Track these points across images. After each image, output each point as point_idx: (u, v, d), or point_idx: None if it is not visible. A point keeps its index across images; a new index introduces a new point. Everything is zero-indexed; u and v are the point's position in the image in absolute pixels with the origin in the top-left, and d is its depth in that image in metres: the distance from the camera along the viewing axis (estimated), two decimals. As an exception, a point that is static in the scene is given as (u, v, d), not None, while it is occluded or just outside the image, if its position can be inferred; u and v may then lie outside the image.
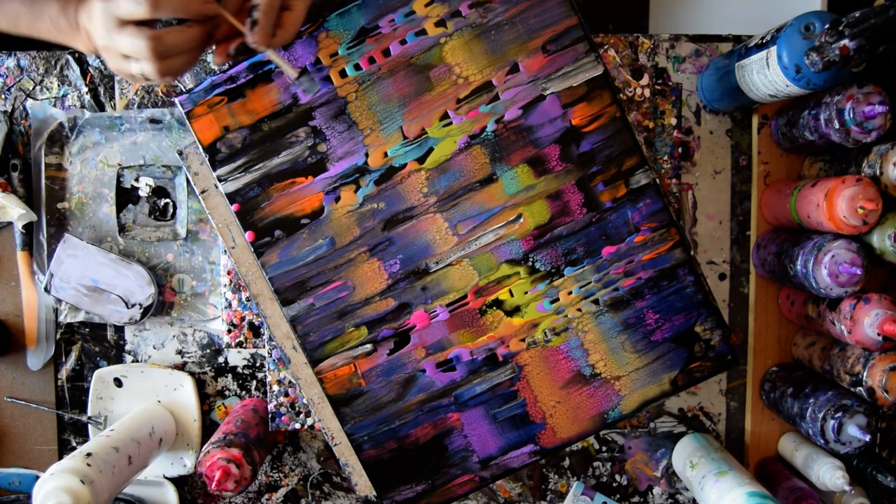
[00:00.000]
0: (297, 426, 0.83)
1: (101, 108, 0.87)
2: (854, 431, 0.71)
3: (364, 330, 0.68)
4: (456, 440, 0.69)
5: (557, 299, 0.68)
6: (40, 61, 0.87)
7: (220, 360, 0.88)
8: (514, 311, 0.68)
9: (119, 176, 0.86)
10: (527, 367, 0.69)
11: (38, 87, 0.88)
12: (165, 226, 0.87)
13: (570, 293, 0.68)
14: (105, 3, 0.54)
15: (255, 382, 0.89)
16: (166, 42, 0.55)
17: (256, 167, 0.66)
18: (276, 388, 0.83)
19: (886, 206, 0.69)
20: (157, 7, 0.53)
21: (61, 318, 0.87)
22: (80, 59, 0.87)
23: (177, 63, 0.56)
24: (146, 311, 0.85)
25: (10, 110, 0.87)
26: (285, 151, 0.67)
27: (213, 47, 0.61)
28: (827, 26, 0.64)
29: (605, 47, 0.86)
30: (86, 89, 0.87)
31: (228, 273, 0.84)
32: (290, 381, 0.83)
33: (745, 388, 0.88)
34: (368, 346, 0.68)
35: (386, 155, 0.67)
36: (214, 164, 0.66)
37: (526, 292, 0.68)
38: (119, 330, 0.88)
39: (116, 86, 0.87)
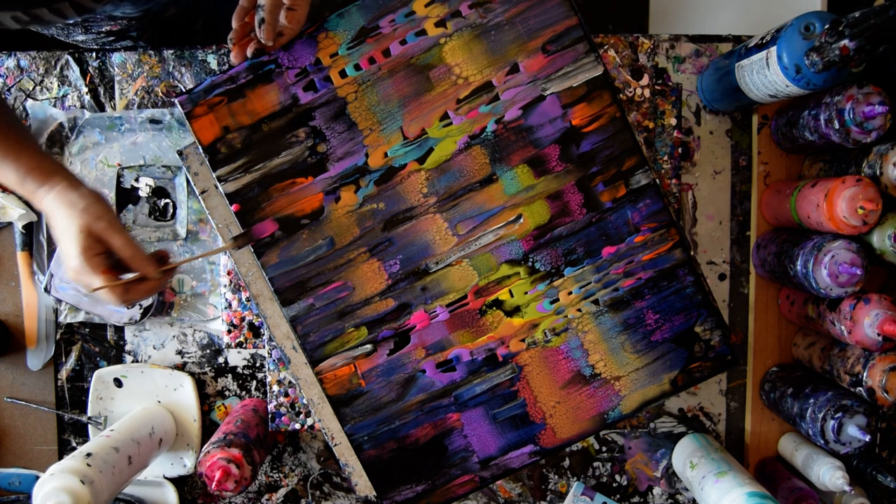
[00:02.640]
0: (297, 426, 0.83)
1: (101, 108, 0.87)
2: (854, 431, 0.71)
3: (364, 330, 0.68)
4: (456, 440, 0.69)
5: (557, 299, 0.68)
6: (40, 61, 0.87)
7: (220, 360, 0.88)
8: (514, 311, 0.68)
9: (119, 176, 0.86)
10: (527, 368, 0.69)
11: (38, 88, 0.88)
12: (165, 226, 0.87)
13: (570, 293, 0.68)
14: (79, 274, 0.61)
15: (255, 383, 0.89)
16: (132, 297, 0.62)
17: (256, 167, 0.66)
18: (276, 388, 0.83)
19: (886, 207, 0.69)
20: (128, 303, 0.63)
21: (61, 318, 0.87)
22: (80, 60, 0.87)
23: (139, 299, 0.64)
24: (146, 312, 0.85)
25: (10, 110, 0.87)
26: (285, 151, 0.67)
27: (232, 48, 0.65)
28: (827, 26, 0.64)
29: (605, 47, 0.86)
30: (86, 89, 0.87)
31: (228, 273, 0.84)
32: (290, 382, 0.83)
33: (745, 388, 0.88)
34: (368, 347, 0.68)
35: (386, 155, 0.67)
36: (214, 164, 0.66)
37: (526, 292, 0.68)
38: (119, 330, 0.88)
39: (116, 86, 0.87)
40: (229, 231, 0.69)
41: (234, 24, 0.64)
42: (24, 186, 0.63)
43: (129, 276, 0.62)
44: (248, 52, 0.65)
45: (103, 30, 0.85)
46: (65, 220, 0.61)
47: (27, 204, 0.85)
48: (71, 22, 0.81)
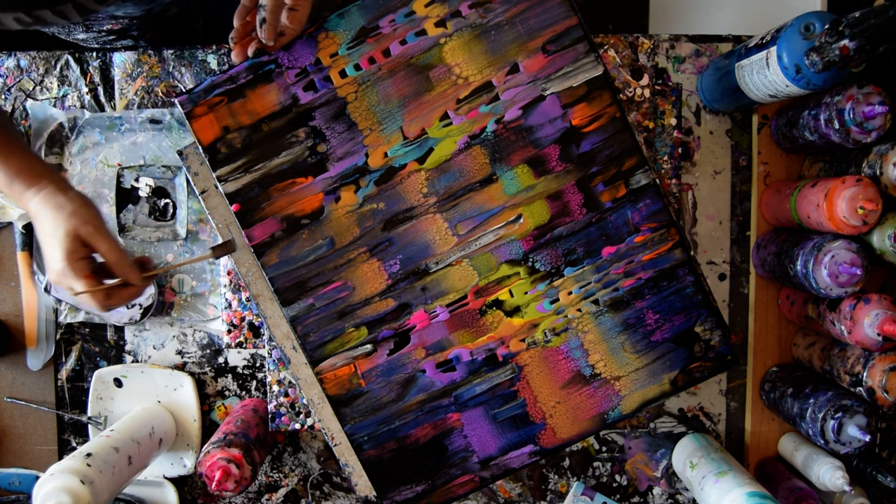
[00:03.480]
0: (297, 426, 0.83)
1: (101, 108, 0.87)
2: (854, 431, 0.71)
3: (364, 330, 0.68)
4: (456, 440, 0.69)
5: (557, 299, 0.68)
6: (40, 61, 0.87)
7: (220, 360, 0.88)
8: (514, 311, 0.68)
9: (119, 176, 0.86)
10: (527, 368, 0.69)
11: (38, 88, 0.88)
12: (165, 226, 0.87)
13: (570, 293, 0.68)
14: (62, 277, 0.61)
15: (255, 383, 0.89)
16: (113, 303, 0.63)
17: (256, 167, 0.67)
18: (276, 388, 0.83)
19: (886, 206, 0.69)
20: (108, 308, 0.63)
21: (61, 318, 0.87)
22: (80, 59, 0.87)
23: (119, 305, 0.64)
24: (146, 312, 0.85)
25: (10, 111, 0.87)
26: (285, 152, 0.67)
27: (233, 47, 0.65)
28: (827, 26, 0.64)
29: (605, 47, 0.86)
30: (86, 89, 0.87)
31: (228, 273, 0.84)
32: (290, 382, 0.83)
33: (745, 388, 0.88)
34: (368, 347, 0.68)
35: (386, 155, 0.67)
36: (214, 164, 0.66)
37: (526, 292, 0.68)
38: (119, 330, 0.88)
39: (116, 86, 0.87)
40: (229, 231, 0.69)
41: (236, 24, 0.64)
42: (12, 188, 0.63)
43: (112, 281, 0.62)
44: (250, 52, 0.65)
45: (104, 28, 0.85)
46: (51, 223, 0.61)
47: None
48: (73, 22, 0.81)
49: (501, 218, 0.68)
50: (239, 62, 0.66)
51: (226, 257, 0.84)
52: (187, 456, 0.87)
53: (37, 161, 0.65)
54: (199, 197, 0.69)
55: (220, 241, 0.69)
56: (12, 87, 0.87)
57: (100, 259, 0.63)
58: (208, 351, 0.88)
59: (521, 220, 0.68)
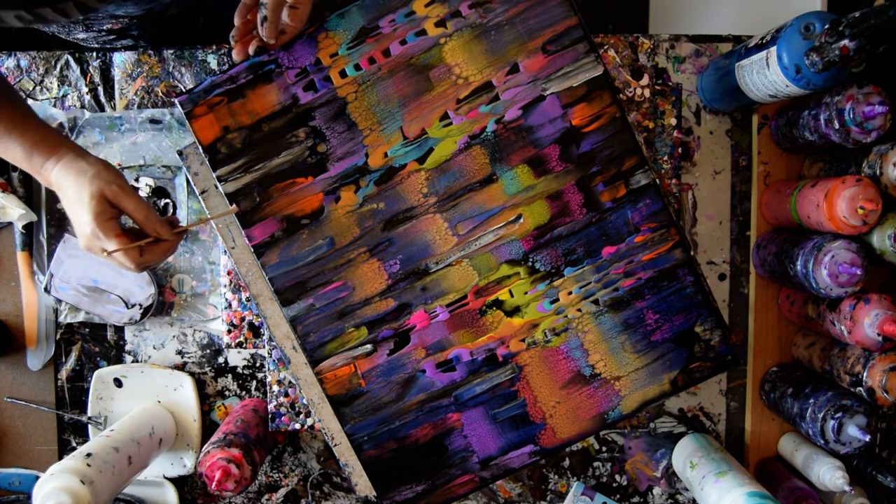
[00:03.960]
0: (297, 426, 0.83)
1: (101, 108, 0.87)
2: (854, 431, 0.71)
3: (364, 330, 0.68)
4: (456, 440, 0.69)
5: (557, 299, 0.68)
6: (40, 61, 0.87)
7: (220, 360, 0.88)
8: (514, 311, 0.68)
9: (119, 176, 0.86)
10: (527, 368, 0.69)
11: (38, 88, 0.88)
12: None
13: (570, 293, 0.68)
14: (93, 240, 0.61)
15: (255, 383, 0.89)
16: (147, 260, 0.63)
17: (256, 167, 0.67)
18: (276, 388, 0.83)
19: (886, 206, 0.69)
20: (143, 266, 0.63)
21: (61, 318, 0.87)
22: (80, 59, 0.87)
23: (153, 262, 0.64)
24: (146, 312, 0.85)
25: (10, 110, 0.87)
26: (285, 152, 0.67)
27: (234, 45, 0.65)
28: (827, 26, 0.64)
29: (605, 47, 0.86)
30: (86, 89, 0.87)
31: (228, 273, 0.84)
32: (290, 382, 0.83)
33: (745, 388, 0.88)
34: (368, 347, 0.68)
35: (386, 155, 0.67)
36: (214, 164, 0.66)
37: (526, 292, 0.68)
38: (119, 330, 0.88)
39: (116, 86, 0.87)
40: (229, 231, 0.69)
41: (237, 22, 0.64)
42: (31, 161, 0.63)
43: (143, 240, 0.62)
44: (250, 50, 0.65)
45: (104, 28, 0.85)
46: (75, 188, 0.61)
47: (28, 202, 0.85)
48: (72, 20, 0.81)
49: (501, 218, 0.68)
50: (240, 60, 0.66)
51: (226, 257, 0.84)
52: (187, 456, 0.87)
53: (52, 132, 0.64)
54: (199, 197, 0.69)
55: (220, 242, 0.69)
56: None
57: (129, 223, 0.63)
58: (208, 351, 0.88)
59: (521, 220, 0.68)
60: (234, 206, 0.66)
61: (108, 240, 0.61)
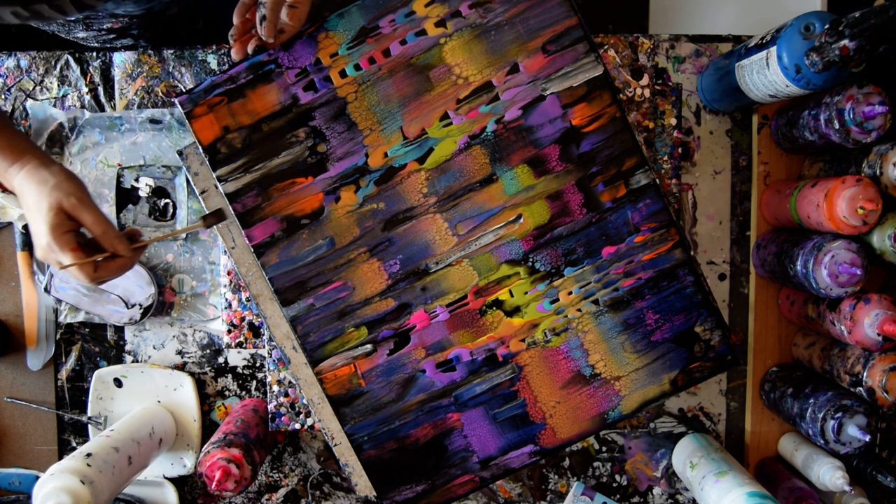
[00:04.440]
0: (297, 426, 0.83)
1: (101, 108, 0.87)
2: (854, 431, 0.71)
3: (364, 330, 0.68)
4: (456, 440, 0.69)
5: (557, 299, 0.68)
6: (40, 61, 0.87)
7: (220, 360, 0.88)
8: (514, 311, 0.68)
9: (119, 176, 0.86)
10: (527, 368, 0.69)
11: (38, 88, 0.88)
12: (165, 226, 0.87)
13: (570, 293, 0.68)
14: (48, 252, 0.60)
15: (255, 382, 0.89)
16: (101, 276, 0.62)
17: (256, 167, 0.67)
18: (276, 388, 0.83)
19: (886, 206, 0.69)
20: (98, 281, 0.62)
21: (61, 318, 0.87)
22: (80, 59, 0.87)
23: (108, 277, 0.63)
24: (146, 312, 0.85)
25: (10, 110, 0.87)
26: (285, 152, 0.67)
27: (233, 44, 0.65)
28: (827, 26, 0.64)
29: (605, 47, 0.86)
30: (86, 89, 0.87)
31: (228, 273, 0.84)
32: (290, 382, 0.83)
33: (745, 388, 0.88)
34: (368, 347, 0.68)
35: (386, 155, 0.67)
36: (214, 164, 0.66)
37: (526, 292, 0.68)
38: (119, 330, 0.88)
39: (116, 86, 0.87)
40: (229, 231, 0.69)
41: (236, 21, 0.64)
42: None
43: (99, 255, 0.62)
44: (249, 49, 0.65)
45: (104, 27, 0.85)
46: (35, 198, 0.61)
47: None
48: (72, 19, 0.81)
49: (501, 218, 0.68)
50: (239, 59, 0.66)
51: (226, 257, 0.84)
52: (187, 456, 0.87)
53: (20, 137, 0.64)
54: (199, 197, 0.69)
55: (220, 242, 0.69)
56: (12, 87, 0.87)
57: (88, 234, 0.63)
58: (208, 351, 0.88)
59: (521, 220, 0.68)
60: (201, 221, 0.66)
61: (62, 253, 0.60)
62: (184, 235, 0.86)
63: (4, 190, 0.84)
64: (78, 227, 0.62)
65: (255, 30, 0.64)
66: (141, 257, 0.87)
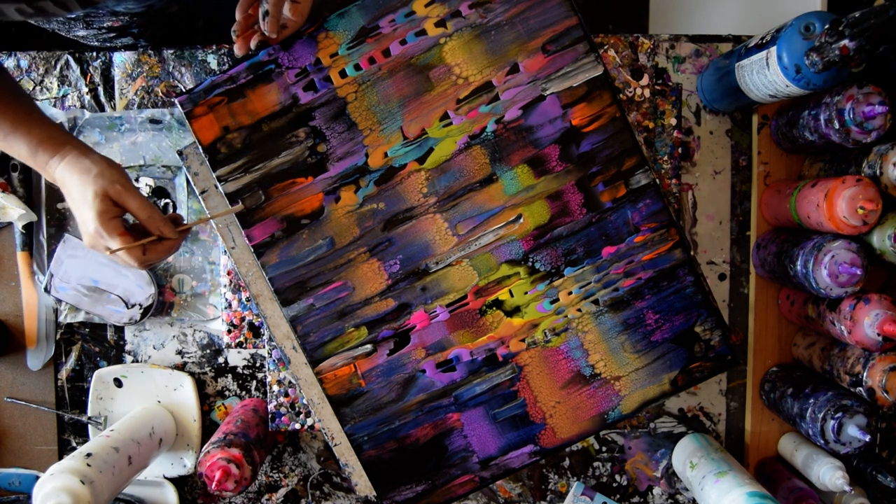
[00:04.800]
0: (297, 426, 0.83)
1: (101, 108, 0.87)
2: (854, 431, 0.71)
3: (364, 330, 0.68)
4: (456, 440, 0.69)
5: (557, 299, 0.68)
6: (40, 61, 0.87)
7: (220, 360, 0.88)
8: (514, 311, 0.68)
9: (119, 176, 0.86)
10: (527, 368, 0.69)
11: (38, 87, 0.88)
12: (165, 226, 0.87)
13: (570, 293, 0.68)
14: (97, 238, 0.61)
15: (255, 383, 0.89)
16: (150, 258, 0.63)
17: (256, 167, 0.67)
18: (276, 388, 0.83)
19: (886, 206, 0.69)
20: (147, 264, 0.63)
21: (61, 318, 0.87)
22: (80, 59, 0.87)
23: (156, 260, 0.64)
24: (146, 312, 0.85)
25: (10, 110, 0.87)
26: (285, 152, 0.67)
27: (236, 39, 0.65)
28: (827, 26, 0.64)
29: (605, 47, 0.86)
30: (86, 89, 0.87)
31: (228, 273, 0.84)
32: (290, 382, 0.83)
33: (745, 388, 0.88)
34: (368, 347, 0.68)
35: (386, 155, 0.67)
36: (214, 164, 0.66)
37: (526, 292, 0.68)
38: (119, 330, 0.88)
39: (116, 86, 0.87)
40: (229, 231, 0.69)
41: (238, 16, 0.64)
42: (35, 158, 0.64)
43: (146, 238, 0.63)
44: (252, 45, 0.65)
45: (104, 25, 0.85)
46: (79, 187, 0.62)
47: (28, 202, 0.85)
48: (73, 16, 0.81)
49: (501, 218, 0.68)
50: (241, 55, 0.66)
51: (226, 257, 0.84)
52: (187, 456, 0.87)
53: (57, 129, 0.65)
54: (199, 197, 0.69)
55: (220, 243, 0.69)
56: (12, 87, 0.87)
57: (132, 220, 0.63)
58: (208, 351, 0.88)
59: (521, 220, 0.68)
60: (240, 203, 0.66)
61: (111, 239, 0.61)
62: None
63: (5, 189, 0.84)
64: (123, 213, 0.63)
65: (258, 25, 0.64)
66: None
